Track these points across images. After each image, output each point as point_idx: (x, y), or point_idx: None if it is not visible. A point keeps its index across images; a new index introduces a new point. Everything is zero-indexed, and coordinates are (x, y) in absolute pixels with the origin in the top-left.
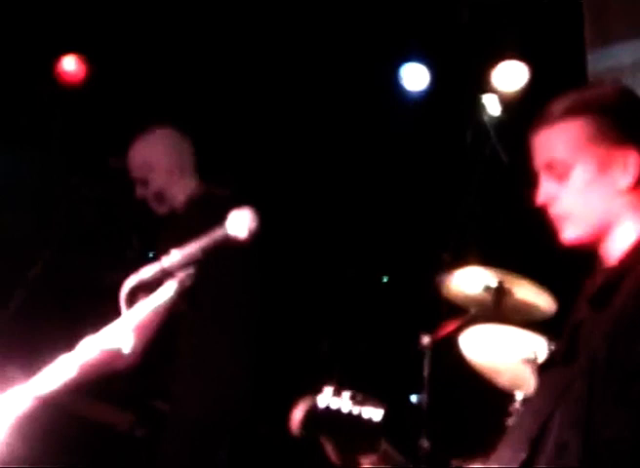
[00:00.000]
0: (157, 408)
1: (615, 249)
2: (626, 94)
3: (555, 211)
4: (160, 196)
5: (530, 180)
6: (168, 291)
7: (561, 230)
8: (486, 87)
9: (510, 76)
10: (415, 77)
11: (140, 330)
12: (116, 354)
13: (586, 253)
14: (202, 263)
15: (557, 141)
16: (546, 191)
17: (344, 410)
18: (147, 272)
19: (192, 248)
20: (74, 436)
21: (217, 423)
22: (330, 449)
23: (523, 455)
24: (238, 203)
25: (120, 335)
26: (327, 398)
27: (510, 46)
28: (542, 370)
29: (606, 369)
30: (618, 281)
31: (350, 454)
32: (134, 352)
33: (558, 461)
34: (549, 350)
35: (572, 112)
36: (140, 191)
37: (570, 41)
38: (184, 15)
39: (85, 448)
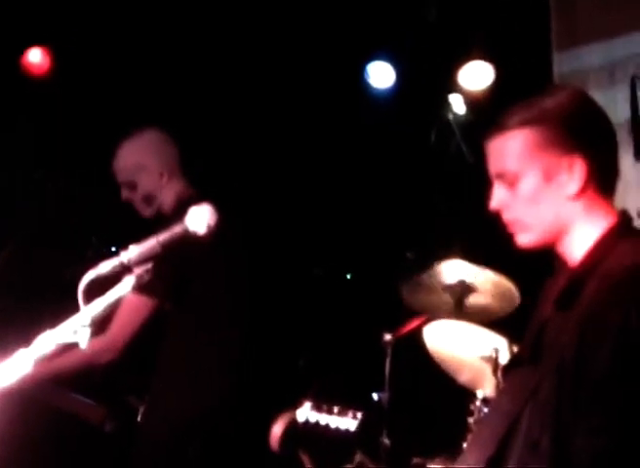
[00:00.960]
0: (130, 403)
1: (574, 250)
2: (580, 101)
3: (507, 217)
4: (149, 199)
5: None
6: (125, 285)
7: (515, 235)
8: (452, 86)
9: (476, 76)
10: (381, 75)
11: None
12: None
13: (550, 252)
14: (161, 258)
15: (506, 151)
16: (498, 198)
17: (322, 424)
18: (105, 267)
19: (150, 243)
20: (44, 426)
21: (189, 422)
22: (307, 463)
23: (490, 453)
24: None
25: (77, 331)
26: (305, 412)
27: (477, 46)
28: (508, 369)
29: (574, 372)
30: (581, 282)
31: (325, 464)
32: (114, 350)
33: (529, 460)
34: (510, 351)
35: (521, 122)
36: (125, 194)
37: (536, 42)
38: (151, 5)
39: (54, 440)
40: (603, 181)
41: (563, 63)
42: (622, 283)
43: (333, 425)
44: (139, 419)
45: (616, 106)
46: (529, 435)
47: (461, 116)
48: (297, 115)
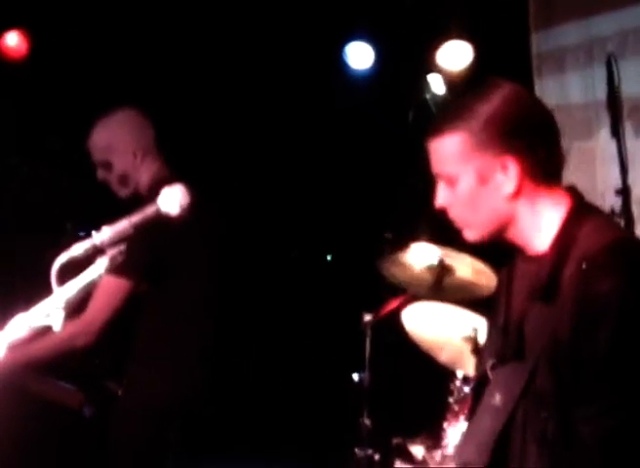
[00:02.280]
0: (108, 388)
1: (533, 239)
2: (511, 100)
3: (451, 215)
4: (124, 179)
5: None
6: (99, 267)
7: (462, 231)
8: (430, 66)
9: (455, 56)
10: (360, 55)
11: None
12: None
13: None
14: (134, 239)
15: (442, 154)
16: (441, 197)
17: None
18: (78, 249)
19: (122, 224)
20: (22, 411)
21: (168, 407)
22: None
23: (488, 451)
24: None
25: (51, 313)
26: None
27: (455, 25)
28: (494, 367)
29: (572, 358)
30: (558, 269)
31: None
32: (89, 333)
33: (543, 454)
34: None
35: (454, 125)
36: (101, 174)
37: (514, 21)
38: None
39: (31, 425)
40: (545, 172)
41: (541, 43)
42: (606, 261)
43: None
44: (117, 403)
45: (594, 85)
46: (533, 427)
47: (440, 96)
48: (275, 97)
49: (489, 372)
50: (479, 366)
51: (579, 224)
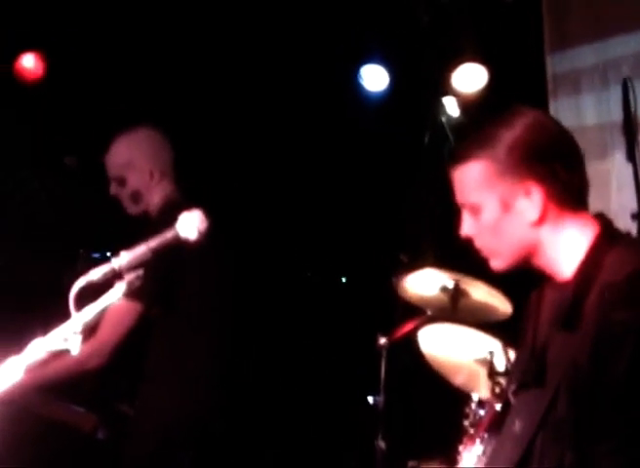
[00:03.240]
0: (122, 411)
1: (560, 265)
2: (534, 127)
3: (477, 244)
4: (136, 197)
5: None
6: (117, 292)
7: (488, 260)
8: (445, 88)
9: (469, 78)
10: (375, 78)
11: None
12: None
13: None
14: (152, 264)
15: (465, 183)
16: (466, 226)
17: None
18: (96, 273)
19: (141, 249)
20: (36, 435)
21: (180, 426)
22: None
23: None
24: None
25: (69, 337)
26: None
27: (470, 48)
28: (516, 392)
29: (591, 387)
30: (581, 297)
31: None
32: (101, 355)
33: None
34: (505, 354)
35: (475, 153)
36: (114, 189)
37: (529, 44)
38: (145, 10)
39: (46, 449)
40: (570, 198)
41: (556, 65)
42: (626, 291)
43: None
44: (129, 425)
45: (609, 107)
46: (550, 455)
47: (455, 118)
48: (291, 118)
49: (511, 398)
50: (504, 390)
51: (605, 252)
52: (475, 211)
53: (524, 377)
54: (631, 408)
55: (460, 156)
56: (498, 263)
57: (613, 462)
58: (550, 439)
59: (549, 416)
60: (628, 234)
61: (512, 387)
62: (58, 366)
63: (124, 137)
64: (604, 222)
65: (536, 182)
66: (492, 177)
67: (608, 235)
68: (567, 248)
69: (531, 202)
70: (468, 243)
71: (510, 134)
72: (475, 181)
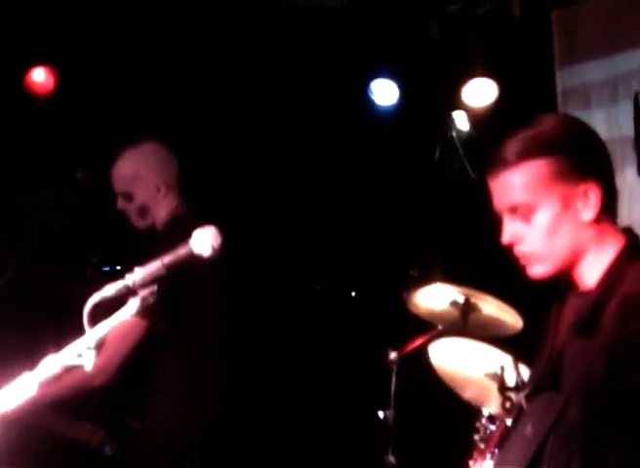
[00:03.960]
0: (130, 425)
1: (587, 275)
2: (580, 127)
3: (522, 250)
4: (143, 211)
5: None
6: (130, 308)
7: (528, 267)
8: (455, 103)
9: (479, 93)
10: (385, 92)
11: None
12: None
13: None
14: (165, 281)
15: (518, 185)
16: (512, 231)
17: None
18: (110, 289)
19: (155, 265)
20: (44, 451)
21: (187, 441)
22: None
23: None
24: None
25: (82, 354)
26: None
27: (480, 62)
28: (530, 396)
29: (604, 396)
30: (601, 306)
31: None
32: (107, 372)
33: None
34: (516, 368)
35: (526, 155)
36: (121, 204)
37: (539, 58)
38: (154, 25)
39: (55, 464)
40: (610, 204)
41: (565, 80)
42: None
43: None
44: (136, 440)
45: (618, 122)
46: (558, 460)
47: (465, 133)
48: (301, 132)
49: (523, 402)
50: (516, 398)
51: (629, 264)
52: (527, 213)
53: (539, 382)
54: None
55: (507, 159)
56: (541, 269)
57: (620, 463)
58: (560, 443)
59: (561, 421)
60: None
61: (526, 391)
62: (63, 383)
63: (129, 152)
64: (631, 235)
65: (594, 183)
66: (550, 178)
67: (633, 249)
68: (600, 255)
69: (587, 203)
70: (508, 249)
71: (563, 135)
72: (531, 182)
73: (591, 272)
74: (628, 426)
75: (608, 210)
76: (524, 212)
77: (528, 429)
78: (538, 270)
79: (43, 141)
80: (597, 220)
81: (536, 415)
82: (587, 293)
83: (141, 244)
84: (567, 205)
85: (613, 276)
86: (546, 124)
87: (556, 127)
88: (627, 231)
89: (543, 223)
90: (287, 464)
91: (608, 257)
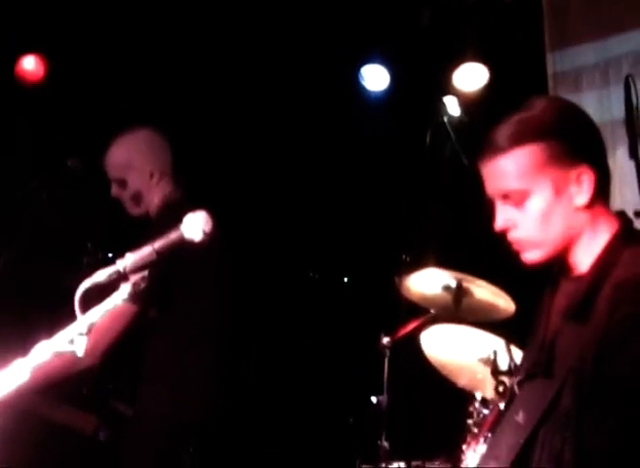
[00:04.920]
0: (122, 412)
1: (581, 259)
2: (572, 110)
3: (515, 236)
4: (137, 198)
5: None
6: (122, 293)
7: (522, 253)
8: (446, 88)
9: (470, 77)
10: (375, 78)
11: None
12: (70, 358)
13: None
14: (157, 266)
15: (509, 171)
16: (505, 217)
17: None
18: (102, 275)
19: (146, 250)
20: (37, 438)
21: (181, 427)
22: None
23: (507, 463)
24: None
25: (74, 339)
26: None
27: (470, 47)
28: (522, 382)
29: (593, 382)
30: (594, 292)
31: None
32: (93, 355)
33: (550, 464)
34: (508, 352)
35: (518, 140)
36: (115, 191)
37: (530, 42)
38: (145, 12)
39: (47, 451)
40: (603, 188)
41: (557, 63)
42: (636, 288)
43: None
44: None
45: (610, 105)
46: (550, 447)
47: (457, 118)
48: (292, 118)
49: (515, 388)
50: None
51: (621, 249)
52: (520, 199)
53: (532, 368)
54: (629, 397)
55: (499, 145)
56: (536, 254)
57: (603, 444)
58: (553, 431)
59: (554, 408)
60: None
61: (519, 377)
62: (50, 367)
63: (122, 139)
64: (624, 220)
65: (587, 167)
66: (542, 163)
67: (626, 233)
68: (594, 240)
69: (581, 187)
70: (501, 235)
71: (555, 119)
72: (523, 168)
73: (585, 257)
74: (618, 412)
75: (601, 194)
76: (517, 198)
77: (519, 415)
78: (531, 256)
79: (33, 130)
80: (591, 205)
81: (528, 402)
82: (580, 278)
83: (137, 230)
84: (560, 190)
85: (606, 261)
86: (538, 107)
87: (547, 110)
88: (621, 215)
89: (537, 209)
90: (281, 450)
91: (601, 242)
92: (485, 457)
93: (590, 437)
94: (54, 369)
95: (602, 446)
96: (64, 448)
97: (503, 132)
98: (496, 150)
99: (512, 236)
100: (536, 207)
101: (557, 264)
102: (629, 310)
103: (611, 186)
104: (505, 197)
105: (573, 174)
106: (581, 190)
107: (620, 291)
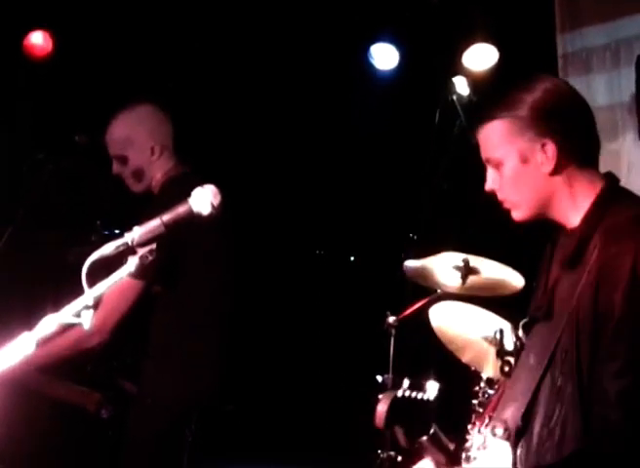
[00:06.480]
0: (126, 389)
1: (569, 215)
2: (552, 90)
3: (500, 197)
4: (139, 174)
5: None
6: (129, 267)
7: (510, 212)
8: (455, 67)
9: (480, 57)
10: (385, 57)
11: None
12: (77, 330)
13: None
14: (165, 239)
15: (489, 140)
16: (490, 181)
17: (416, 398)
18: (109, 248)
19: (154, 223)
20: (40, 414)
21: (184, 404)
22: (401, 436)
23: (523, 407)
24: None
25: (81, 313)
26: (403, 389)
27: (480, 27)
28: (528, 327)
29: (591, 320)
30: (586, 240)
31: (414, 438)
32: (102, 332)
33: (554, 404)
34: (514, 334)
35: (497, 113)
36: (116, 168)
37: (540, 23)
38: None
39: (50, 427)
40: (581, 156)
41: (567, 44)
42: (628, 232)
43: (420, 399)
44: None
45: (620, 87)
46: (552, 384)
47: (466, 97)
48: (300, 97)
49: (521, 334)
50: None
51: (610, 202)
52: (498, 165)
53: (534, 313)
54: (629, 335)
55: (485, 116)
56: (519, 214)
57: (617, 385)
58: (554, 368)
59: (558, 348)
60: (632, 193)
61: (524, 320)
62: (59, 343)
63: (121, 116)
64: (610, 179)
65: (551, 139)
66: (513, 134)
67: (613, 189)
68: (577, 198)
69: (546, 156)
70: (493, 196)
71: (531, 96)
72: (498, 138)
73: (571, 214)
74: (617, 349)
75: (581, 159)
76: (495, 164)
77: (531, 358)
78: (516, 215)
79: (40, 105)
80: (560, 170)
81: (535, 345)
82: (573, 231)
83: (141, 206)
84: (526, 158)
85: (595, 213)
86: (522, 85)
87: (526, 89)
88: (607, 176)
89: (508, 175)
90: (285, 430)
91: (590, 198)
92: (503, 402)
93: (599, 377)
94: (63, 346)
95: (613, 378)
96: (66, 424)
97: (489, 106)
98: (481, 121)
99: (499, 197)
100: (507, 172)
101: (550, 224)
102: (617, 248)
103: (618, 167)
104: (488, 162)
105: (537, 145)
106: (547, 159)
107: (608, 234)
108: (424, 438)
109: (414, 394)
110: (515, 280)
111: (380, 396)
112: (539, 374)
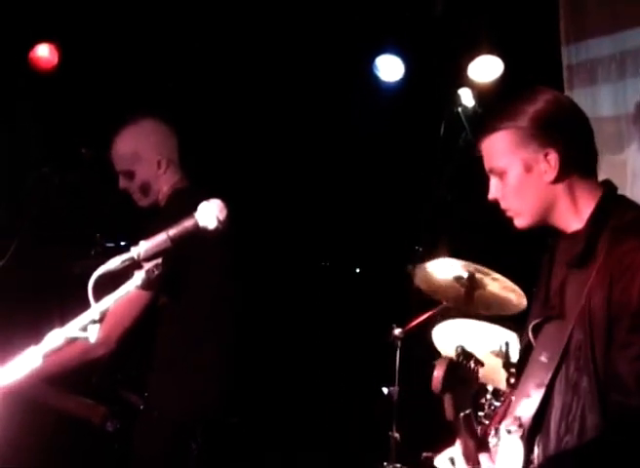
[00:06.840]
0: (131, 402)
1: (570, 222)
2: (553, 102)
3: (503, 206)
4: (146, 188)
5: None
6: (135, 281)
7: (512, 220)
8: (460, 79)
9: (485, 69)
10: (390, 68)
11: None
12: (83, 345)
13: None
14: (170, 253)
15: (493, 150)
16: (493, 190)
17: (471, 366)
18: (115, 262)
19: (160, 238)
20: (45, 427)
21: (190, 417)
22: (449, 406)
23: (537, 404)
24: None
25: (87, 327)
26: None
27: (485, 39)
28: (537, 327)
29: (605, 314)
30: (593, 239)
31: (460, 410)
32: (108, 343)
33: (570, 398)
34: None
35: (501, 124)
36: (123, 183)
37: (545, 35)
38: (154, 4)
39: (55, 440)
40: (581, 165)
41: (572, 55)
42: (636, 231)
43: (469, 367)
44: (138, 416)
45: (625, 98)
46: (567, 378)
47: (471, 109)
48: (305, 108)
49: (530, 335)
50: (522, 338)
51: (612, 204)
52: (502, 174)
53: (544, 314)
54: None
55: (488, 127)
56: (521, 221)
57: (632, 368)
58: (568, 363)
59: (570, 344)
60: (630, 200)
61: (533, 322)
62: (65, 355)
63: (126, 131)
64: (609, 186)
65: (553, 149)
66: (516, 144)
67: (613, 195)
68: (578, 204)
69: (549, 165)
70: (496, 205)
71: (532, 107)
72: (502, 148)
73: (571, 220)
74: (633, 338)
75: (581, 169)
76: (498, 173)
77: (543, 356)
78: (518, 222)
79: (46, 117)
80: (562, 179)
81: (547, 343)
82: (576, 234)
83: (146, 220)
84: (529, 168)
85: (600, 216)
86: (524, 96)
87: (528, 101)
88: (605, 183)
89: (511, 185)
90: (291, 441)
91: (589, 205)
92: (517, 397)
93: (620, 362)
94: (69, 357)
95: (631, 368)
96: (71, 437)
97: (492, 116)
98: (484, 131)
99: (502, 205)
100: (510, 182)
101: (549, 234)
102: (627, 246)
103: (621, 178)
104: (492, 172)
105: (541, 155)
106: (550, 168)
107: (617, 233)
108: (466, 413)
109: (464, 361)
110: (519, 300)
111: (436, 361)
112: (551, 370)
